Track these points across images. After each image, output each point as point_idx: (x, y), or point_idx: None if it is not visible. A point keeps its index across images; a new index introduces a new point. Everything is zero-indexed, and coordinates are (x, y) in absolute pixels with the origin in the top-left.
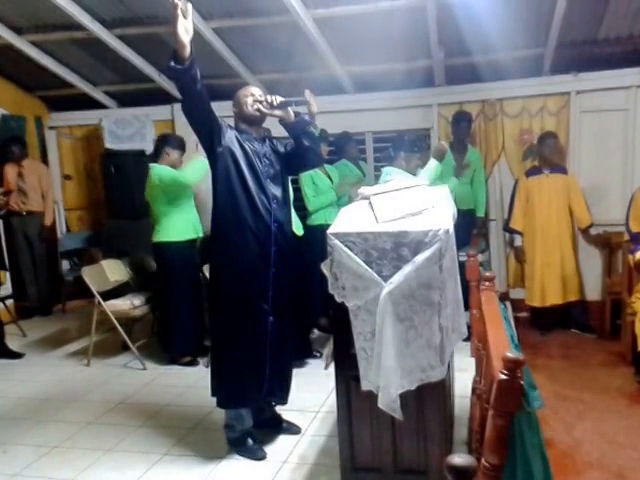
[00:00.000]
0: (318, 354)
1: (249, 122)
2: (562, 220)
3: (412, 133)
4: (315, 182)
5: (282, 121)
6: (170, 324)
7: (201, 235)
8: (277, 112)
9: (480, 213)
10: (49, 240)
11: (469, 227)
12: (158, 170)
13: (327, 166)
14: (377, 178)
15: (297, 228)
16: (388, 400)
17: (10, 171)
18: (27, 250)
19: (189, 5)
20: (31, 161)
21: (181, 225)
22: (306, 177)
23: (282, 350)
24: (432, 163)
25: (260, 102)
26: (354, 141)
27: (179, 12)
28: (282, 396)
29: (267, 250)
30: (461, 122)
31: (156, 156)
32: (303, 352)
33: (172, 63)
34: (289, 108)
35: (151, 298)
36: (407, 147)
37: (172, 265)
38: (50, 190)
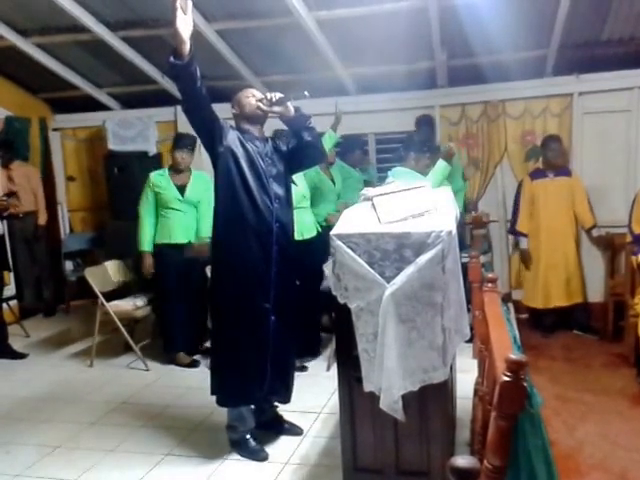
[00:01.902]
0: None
1: (251, 122)
2: (567, 223)
3: (423, 133)
4: (317, 185)
5: (282, 117)
6: (164, 324)
7: (193, 240)
8: (277, 108)
9: (459, 190)
10: (52, 241)
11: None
12: (151, 181)
13: (331, 168)
14: (380, 179)
15: (312, 229)
16: (390, 401)
17: (0, 176)
18: (26, 251)
19: (189, 1)
20: (19, 163)
21: (172, 228)
22: (307, 178)
23: (284, 349)
24: (440, 164)
25: (260, 100)
26: (362, 149)
27: (178, 6)
28: (285, 395)
29: (269, 249)
30: (423, 126)
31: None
32: (308, 350)
33: (172, 59)
34: (288, 103)
35: (153, 299)
36: (417, 147)
37: (164, 266)
38: (39, 189)
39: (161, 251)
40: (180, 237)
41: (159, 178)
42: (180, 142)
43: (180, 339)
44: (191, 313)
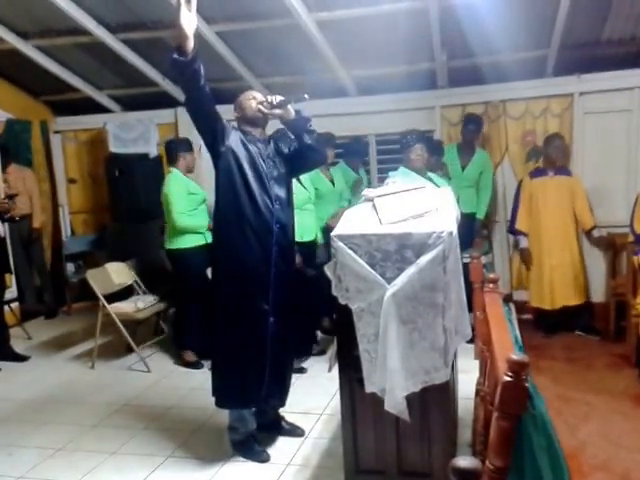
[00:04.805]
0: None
1: (253, 124)
2: (568, 222)
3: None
4: (316, 186)
5: (283, 119)
6: (186, 321)
7: (210, 240)
8: (277, 111)
9: (480, 215)
10: (54, 243)
11: (471, 230)
12: (174, 186)
13: (332, 169)
14: (380, 180)
15: (312, 232)
16: (395, 402)
17: None
18: (23, 254)
19: None
20: (15, 167)
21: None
22: (306, 180)
23: (282, 351)
24: None
25: (261, 103)
26: (364, 153)
27: (182, 1)
28: (281, 398)
29: (268, 250)
30: (469, 125)
31: (170, 161)
32: (306, 349)
33: (175, 55)
34: (289, 106)
35: (162, 298)
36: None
37: (189, 269)
38: (35, 191)
39: (194, 253)
40: (209, 237)
41: (187, 181)
42: (188, 144)
43: (196, 338)
44: (204, 313)
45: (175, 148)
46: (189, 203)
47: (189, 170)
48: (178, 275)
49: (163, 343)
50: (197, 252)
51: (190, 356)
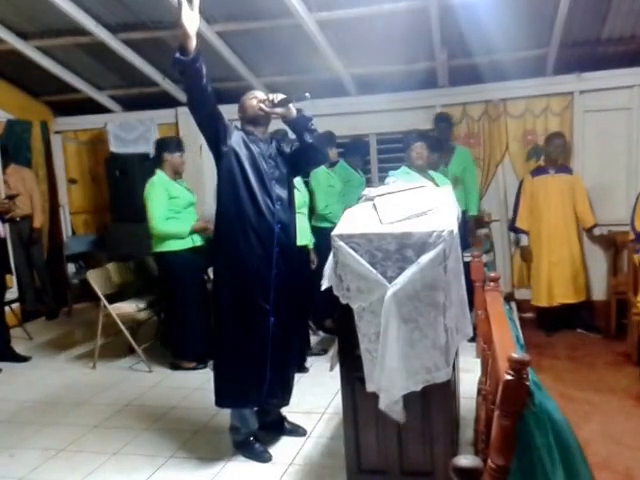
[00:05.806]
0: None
1: (254, 123)
2: (569, 220)
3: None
4: (331, 184)
5: (284, 118)
6: (177, 329)
7: (199, 243)
8: (278, 110)
9: (472, 212)
10: (54, 243)
11: (463, 228)
12: (153, 190)
13: (334, 169)
14: (381, 179)
15: (306, 236)
16: (389, 402)
17: None
18: (24, 254)
19: None
20: (14, 167)
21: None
22: (321, 178)
23: (284, 351)
24: None
25: (262, 101)
26: (365, 152)
27: (183, 0)
28: (284, 397)
29: (270, 251)
30: (439, 123)
31: (158, 162)
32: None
33: (177, 54)
34: (290, 105)
35: (154, 302)
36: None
37: (175, 273)
38: (35, 192)
39: (180, 256)
40: (198, 240)
41: (170, 184)
42: (175, 145)
43: (196, 345)
44: (203, 316)
45: (160, 149)
46: (170, 207)
47: (176, 172)
48: (165, 280)
49: (164, 343)
50: (184, 255)
51: (187, 364)
